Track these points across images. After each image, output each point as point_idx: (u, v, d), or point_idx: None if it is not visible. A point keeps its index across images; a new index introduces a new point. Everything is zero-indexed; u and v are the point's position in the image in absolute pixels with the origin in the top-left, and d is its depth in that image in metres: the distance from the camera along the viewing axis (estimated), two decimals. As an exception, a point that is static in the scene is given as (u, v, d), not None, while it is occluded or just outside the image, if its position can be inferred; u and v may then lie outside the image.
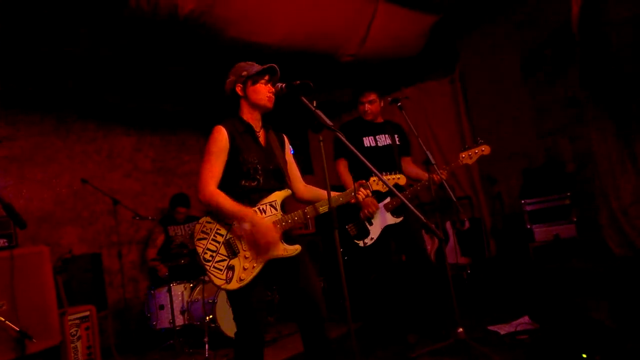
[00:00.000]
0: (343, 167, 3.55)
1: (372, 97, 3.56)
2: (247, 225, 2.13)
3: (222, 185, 2.21)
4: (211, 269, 2.14)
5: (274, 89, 2.27)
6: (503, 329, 3.39)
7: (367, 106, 3.55)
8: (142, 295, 5.13)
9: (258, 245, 2.14)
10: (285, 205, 2.33)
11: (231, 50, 3.87)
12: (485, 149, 3.27)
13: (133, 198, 5.39)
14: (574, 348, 2.48)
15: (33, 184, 4.72)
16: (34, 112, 4.81)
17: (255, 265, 2.16)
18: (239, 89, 2.32)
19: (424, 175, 3.44)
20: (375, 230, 3.43)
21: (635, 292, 3.36)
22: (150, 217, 4.74)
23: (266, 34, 3.90)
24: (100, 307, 4.13)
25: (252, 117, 2.34)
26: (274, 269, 2.22)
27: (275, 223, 2.21)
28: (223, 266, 2.14)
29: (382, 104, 3.63)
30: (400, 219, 3.43)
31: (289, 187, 2.36)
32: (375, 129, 3.62)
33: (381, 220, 3.43)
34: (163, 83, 4.84)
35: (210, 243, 2.17)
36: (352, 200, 2.29)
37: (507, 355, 2.84)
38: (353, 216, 3.47)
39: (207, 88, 4.88)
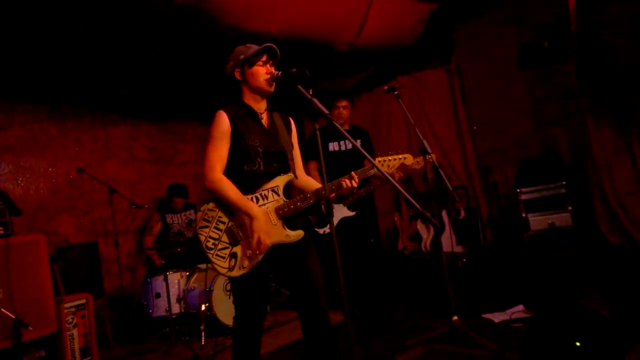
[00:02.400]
0: (313, 168, 4.00)
1: (345, 103, 4.08)
2: (247, 219, 2.15)
3: (226, 171, 2.20)
4: (214, 256, 2.14)
5: (273, 69, 2.24)
6: (498, 317, 3.43)
7: (342, 110, 4.04)
8: (138, 284, 5.14)
9: (253, 238, 2.12)
10: (289, 191, 2.31)
11: (228, 38, 3.82)
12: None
13: (129, 187, 5.37)
14: (567, 336, 2.50)
15: (29, 172, 4.69)
16: (29, 100, 4.76)
17: (258, 252, 2.15)
18: (237, 72, 2.30)
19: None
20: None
21: (630, 280, 3.39)
22: (146, 206, 4.74)
23: (263, 22, 3.87)
24: (96, 295, 4.14)
25: (254, 101, 2.31)
26: (276, 255, 2.21)
27: (276, 209, 2.20)
28: (226, 254, 2.14)
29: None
30: (354, 213, 3.90)
31: (293, 171, 2.33)
32: (341, 135, 3.70)
33: (338, 213, 3.88)
34: (159, 72, 4.79)
35: (212, 231, 2.16)
36: (342, 192, 2.26)
37: (502, 343, 2.87)
38: (316, 208, 3.63)
39: (204, 77, 4.84)
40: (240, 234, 2.17)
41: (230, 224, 2.18)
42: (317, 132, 2.16)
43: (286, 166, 2.32)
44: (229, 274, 2.13)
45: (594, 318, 2.50)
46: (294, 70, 2.10)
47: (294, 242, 2.22)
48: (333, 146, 4.06)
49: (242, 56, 2.28)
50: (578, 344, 2.47)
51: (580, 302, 2.68)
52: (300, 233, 2.23)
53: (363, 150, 2.11)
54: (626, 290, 3.28)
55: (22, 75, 4.46)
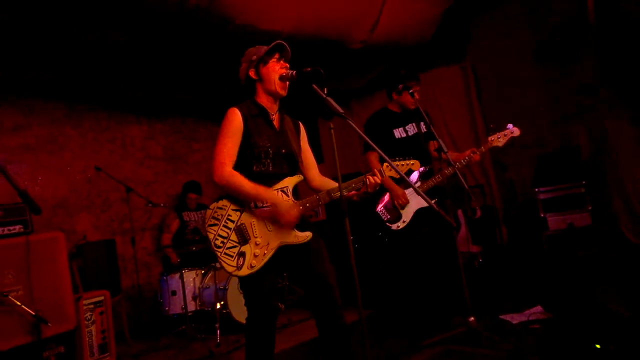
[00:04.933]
0: (374, 158, 3.59)
1: (417, 87, 3.54)
2: (267, 201, 2.14)
3: (236, 170, 2.19)
4: (222, 255, 2.13)
5: (288, 67, 2.25)
6: (515, 318, 3.37)
7: (417, 96, 3.48)
8: (155, 281, 5.20)
9: (278, 225, 2.15)
10: (298, 192, 2.32)
11: (240, 38, 3.84)
12: (515, 131, 3.27)
13: (145, 186, 5.43)
14: (587, 338, 2.45)
15: (47, 171, 4.78)
16: (46, 101, 4.85)
17: (266, 252, 2.16)
18: (252, 73, 2.31)
19: (454, 156, 3.40)
20: (407, 214, 3.48)
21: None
22: (162, 204, 4.78)
23: (275, 21, 3.86)
24: (114, 292, 4.20)
25: (267, 101, 2.32)
26: (285, 255, 2.21)
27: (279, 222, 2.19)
28: (234, 252, 2.14)
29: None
30: (434, 200, 3.45)
31: (301, 173, 2.35)
32: (404, 119, 3.66)
33: (412, 203, 3.48)
34: (173, 72, 4.82)
35: (221, 229, 2.16)
36: (363, 189, 2.26)
37: (519, 344, 2.83)
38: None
39: (217, 77, 4.87)
40: (249, 232, 2.17)
41: (239, 223, 2.18)
42: (332, 131, 2.14)
43: (295, 168, 2.33)
44: (237, 273, 2.13)
45: (614, 319, 2.45)
46: (309, 69, 2.10)
47: (303, 243, 2.22)
48: (399, 132, 3.63)
49: (254, 56, 2.29)
50: (598, 345, 2.42)
51: (601, 302, 2.63)
52: (308, 234, 2.23)
53: (375, 148, 2.11)
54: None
55: (39, 76, 4.53)
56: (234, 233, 2.16)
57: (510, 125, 3.29)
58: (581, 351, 2.42)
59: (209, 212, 2.19)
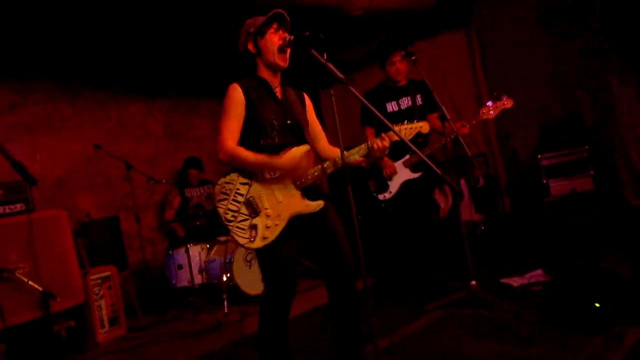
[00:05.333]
0: (370, 134, 3.67)
1: (400, 56, 3.60)
2: (276, 169, 2.15)
3: (242, 146, 2.17)
4: (234, 229, 2.12)
5: (287, 35, 2.19)
6: (516, 281, 3.42)
7: (399, 65, 3.60)
8: (160, 257, 5.26)
9: (300, 171, 2.17)
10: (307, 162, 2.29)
11: (237, 8, 3.76)
12: (507, 103, 3.22)
13: (145, 163, 5.42)
14: (587, 297, 2.49)
15: (46, 150, 4.74)
16: (42, 79, 4.79)
17: (278, 223, 2.15)
18: (250, 46, 2.25)
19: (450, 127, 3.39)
20: (394, 185, 3.59)
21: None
22: (164, 180, 4.79)
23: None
24: (120, 268, 4.25)
25: (268, 74, 2.28)
26: (298, 224, 2.20)
27: (294, 180, 2.20)
28: (246, 225, 2.13)
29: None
30: (419, 174, 3.56)
31: (308, 143, 2.31)
32: (397, 93, 3.67)
33: (400, 175, 3.58)
34: (170, 47, 4.76)
35: (230, 203, 2.15)
36: (373, 153, 2.22)
37: (520, 305, 2.87)
38: (374, 173, 3.65)
39: (215, 50, 4.79)
40: (259, 205, 2.16)
41: (248, 196, 2.17)
42: (333, 98, 2.12)
43: (302, 139, 2.30)
44: (250, 245, 2.12)
45: (613, 279, 2.48)
46: (307, 33, 2.04)
47: (315, 212, 2.22)
48: (391, 106, 3.66)
49: (252, 28, 2.23)
50: (597, 305, 2.46)
51: (600, 263, 2.66)
52: (320, 203, 2.22)
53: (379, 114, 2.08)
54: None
55: (35, 54, 4.48)
56: (243, 206, 2.15)
57: (504, 97, 3.24)
58: (581, 310, 2.47)
59: (217, 187, 2.18)
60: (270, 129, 2.19)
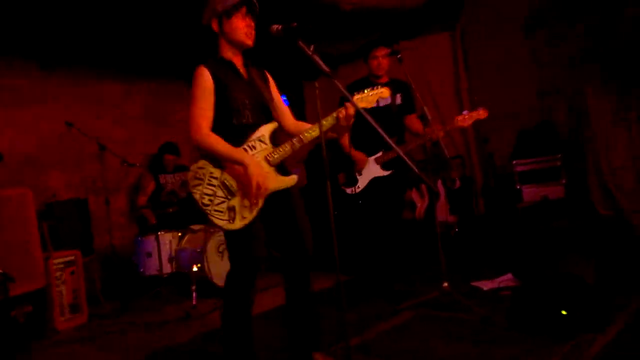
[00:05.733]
0: None
1: (384, 51, 3.56)
2: (240, 169, 2.12)
3: (215, 126, 2.16)
4: (212, 212, 2.10)
5: (253, 25, 2.18)
6: (486, 285, 3.47)
7: (381, 60, 3.55)
8: (129, 243, 5.11)
9: (251, 185, 2.09)
10: (276, 139, 2.30)
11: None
12: (482, 114, 3.24)
13: (121, 145, 5.23)
14: (554, 304, 2.53)
15: (17, 126, 4.54)
16: (17, 54, 4.58)
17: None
18: (214, 24, 2.21)
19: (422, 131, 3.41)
20: (363, 180, 3.55)
21: (618, 252, 3.43)
22: (138, 164, 4.65)
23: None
24: (86, 252, 4.12)
25: (232, 54, 2.25)
26: (273, 203, 2.21)
27: (266, 157, 2.20)
28: (223, 208, 2.12)
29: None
30: (389, 172, 3.52)
31: (276, 120, 2.32)
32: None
33: (370, 171, 3.54)
34: (153, 28, 4.61)
35: (205, 187, 2.13)
36: (341, 122, 2.20)
37: (489, 308, 2.90)
38: (345, 166, 3.58)
39: (197, 34, 4.66)
40: (235, 185, 2.15)
41: (222, 178, 2.15)
42: (317, 91, 2.09)
43: (270, 117, 2.31)
44: (230, 226, 2.10)
45: (580, 286, 2.53)
46: (295, 24, 2.01)
47: (290, 188, 2.24)
48: None
49: (219, 6, 2.18)
50: (564, 312, 2.51)
51: (568, 270, 2.71)
52: (294, 177, 2.25)
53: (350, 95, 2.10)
54: (614, 259, 3.33)
55: (11, 28, 4.26)
56: (219, 189, 2.14)
57: (480, 109, 3.26)
58: (548, 316, 2.51)
59: (190, 173, 2.15)
60: (242, 108, 2.19)
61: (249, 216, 2.12)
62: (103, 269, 4.81)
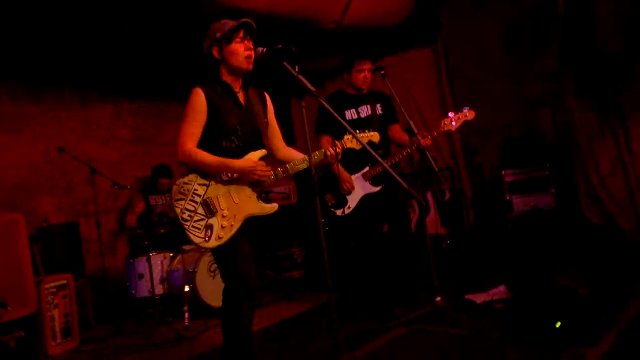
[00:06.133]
0: (325, 142, 3.48)
1: (370, 65, 3.49)
2: (233, 171, 2.21)
3: (203, 147, 2.23)
4: (190, 227, 2.17)
5: (252, 47, 2.23)
6: (479, 298, 3.45)
7: (367, 73, 3.46)
8: (121, 265, 5.08)
9: (255, 178, 2.22)
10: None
11: (210, 16, 3.70)
12: (469, 114, 3.25)
13: (111, 167, 5.25)
14: (546, 316, 2.54)
15: (7, 151, 4.54)
16: (6, 78, 4.59)
17: (233, 223, 2.21)
18: (215, 51, 2.28)
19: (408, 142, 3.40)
20: (353, 200, 3.42)
21: (610, 261, 3.45)
22: (129, 186, 4.64)
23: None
24: (78, 275, 4.09)
25: (231, 79, 2.32)
26: (251, 227, 2.28)
27: (250, 183, 2.27)
28: (201, 225, 2.18)
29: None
30: (379, 187, 3.41)
31: (265, 147, 2.39)
32: (357, 101, 3.55)
33: (360, 189, 3.41)
34: (141, 49, 4.65)
35: (188, 203, 2.20)
36: (327, 160, 2.33)
37: (483, 323, 2.90)
38: (333, 186, 3.45)
39: (186, 55, 4.71)
40: (216, 205, 2.22)
41: (206, 196, 2.22)
42: (303, 110, 2.12)
43: (261, 144, 2.38)
44: (205, 244, 2.17)
45: (573, 298, 2.54)
46: (279, 46, 2.06)
47: (268, 215, 2.30)
48: (350, 114, 3.49)
49: (218, 34, 2.25)
50: (559, 324, 2.51)
51: (559, 282, 2.72)
52: (274, 206, 2.32)
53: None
54: (607, 269, 3.35)
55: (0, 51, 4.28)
56: (200, 206, 2.20)
57: (465, 108, 3.26)
58: (541, 329, 2.52)
59: (174, 187, 2.22)
60: (232, 132, 2.26)
61: (225, 237, 2.18)
62: (94, 291, 4.76)
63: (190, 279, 4.11)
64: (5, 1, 3.33)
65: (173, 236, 4.55)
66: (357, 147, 2.36)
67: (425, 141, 3.21)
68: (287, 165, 2.31)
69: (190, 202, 2.20)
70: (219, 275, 4.15)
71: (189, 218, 2.17)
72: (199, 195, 2.21)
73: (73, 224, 4.56)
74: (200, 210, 2.19)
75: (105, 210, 5.19)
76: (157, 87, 5.78)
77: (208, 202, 2.21)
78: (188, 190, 2.21)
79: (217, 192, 2.23)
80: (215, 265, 4.23)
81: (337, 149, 2.30)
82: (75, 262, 4.30)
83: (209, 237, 2.17)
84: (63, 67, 4.81)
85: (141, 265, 4.39)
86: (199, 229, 2.17)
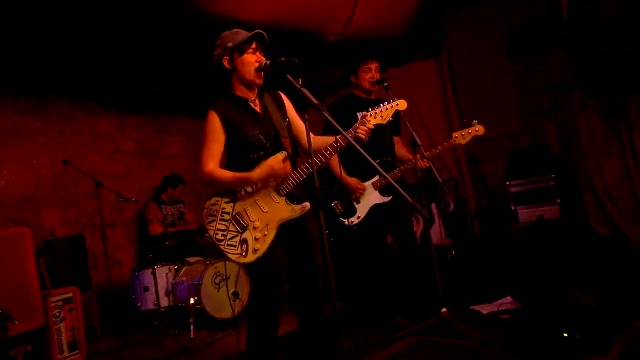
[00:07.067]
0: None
1: (377, 64, 3.43)
2: (254, 183, 2.19)
3: (233, 164, 2.25)
4: (226, 247, 2.18)
5: (263, 58, 2.23)
6: (486, 309, 3.44)
7: (374, 74, 3.40)
8: (126, 277, 5.09)
9: (277, 175, 2.19)
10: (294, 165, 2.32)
11: (214, 27, 3.75)
12: (479, 130, 3.24)
13: (115, 180, 5.29)
14: (555, 326, 2.52)
15: (12, 165, 4.58)
16: (9, 92, 4.64)
17: (267, 233, 2.19)
18: (226, 62, 2.25)
19: (411, 157, 3.41)
20: (362, 209, 3.37)
21: (617, 271, 3.42)
22: (134, 199, 4.67)
23: (249, 10, 3.81)
24: (84, 288, 4.09)
25: (244, 92, 2.29)
26: (286, 233, 2.24)
27: (276, 187, 2.24)
28: (236, 242, 2.18)
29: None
30: (390, 198, 3.36)
31: (287, 149, 2.30)
32: (368, 104, 3.47)
33: (369, 199, 3.36)
34: (144, 62, 4.71)
35: (219, 223, 2.21)
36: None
37: (490, 334, 2.88)
38: (341, 194, 3.42)
39: (190, 68, 4.77)
40: (246, 219, 2.21)
41: (235, 213, 2.22)
42: (307, 124, 2.14)
43: (281, 147, 2.32)
44: (244, 260, 2.16)
45: (581, 308, 2.52)
46: (283, 59, 2.08)
47: (302, 217, 2.25)
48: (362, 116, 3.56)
49: (230, 44, 2.23)
50: (566, 335, 2.50)
51: (568, 292, 2.70)
52: (305, 205, 2.25)
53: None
54: (613, 280, 3.32)
55: (4, 65, 4.34)
56: (231, 224, 2.21)
57: (475, 122, 3.27)
58: (550, 339, 2.50)
59: (204, 211, 2.24)
60: (258, 143, 2.24)
61: (262, 249, 2.17)
62: (101, 304, 4.77)
63: (196, 291, 4.11)
64: (9, 15, 3.39)
65: (179, 248, 4.56)
66: (383, 121, 2.32)
67: (422, 164, 3.22)
68: (307, 163, 2.21)
69: (222, 222, 2.20)
70: (224, 288, 4.21)
71: (223, 238, 2.19)
72: (228, 213, 2.22)
73: (79, 237, 4.58)
74: (232, 227, 2.20)
75: (110, 223, 5.22)
76: (160, 100, 5.84)
77: (238, 217, 2.21)
78: (217, 210, 2.22)
79: (244, 205, 2.22)
80: (220, 278, 4.24)
81: (370, 126, 2.25)
82: (81, 275, 4.31)
83: (246, 252, 2.16)
84: (67, 81, 4.88)
85: (146, 278, 4.40)
86: (234, 246, 2.18)
